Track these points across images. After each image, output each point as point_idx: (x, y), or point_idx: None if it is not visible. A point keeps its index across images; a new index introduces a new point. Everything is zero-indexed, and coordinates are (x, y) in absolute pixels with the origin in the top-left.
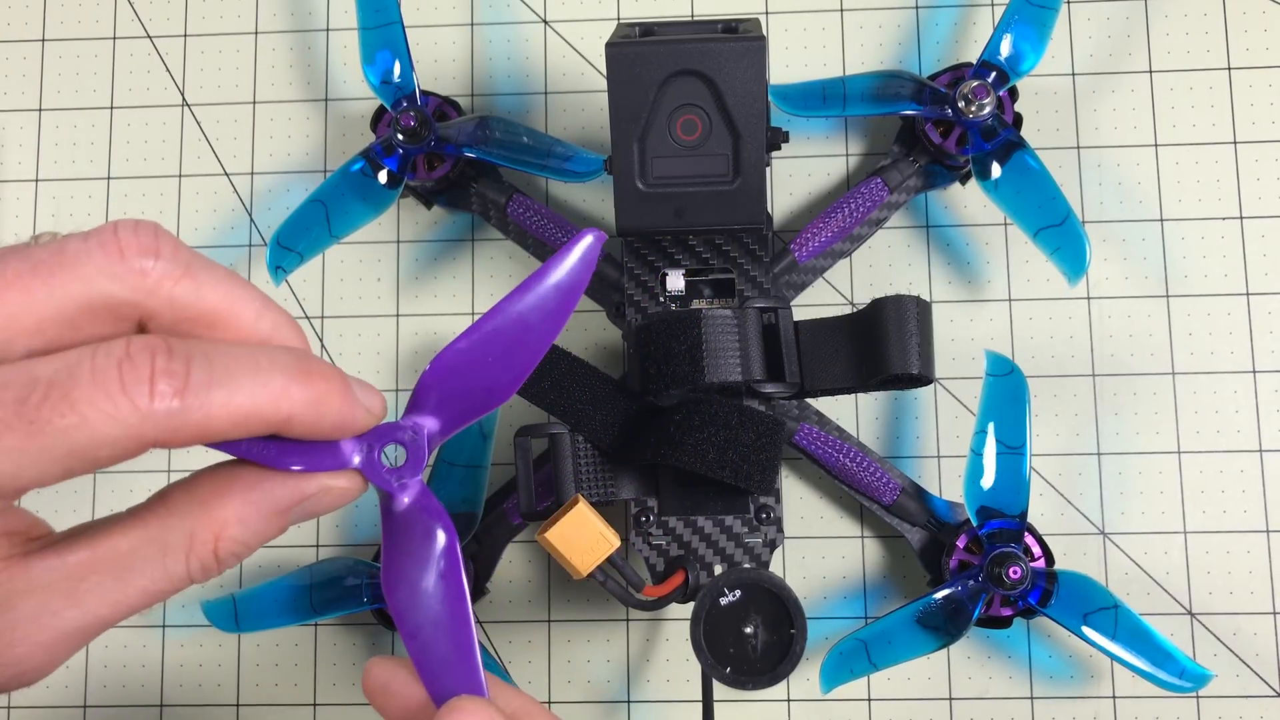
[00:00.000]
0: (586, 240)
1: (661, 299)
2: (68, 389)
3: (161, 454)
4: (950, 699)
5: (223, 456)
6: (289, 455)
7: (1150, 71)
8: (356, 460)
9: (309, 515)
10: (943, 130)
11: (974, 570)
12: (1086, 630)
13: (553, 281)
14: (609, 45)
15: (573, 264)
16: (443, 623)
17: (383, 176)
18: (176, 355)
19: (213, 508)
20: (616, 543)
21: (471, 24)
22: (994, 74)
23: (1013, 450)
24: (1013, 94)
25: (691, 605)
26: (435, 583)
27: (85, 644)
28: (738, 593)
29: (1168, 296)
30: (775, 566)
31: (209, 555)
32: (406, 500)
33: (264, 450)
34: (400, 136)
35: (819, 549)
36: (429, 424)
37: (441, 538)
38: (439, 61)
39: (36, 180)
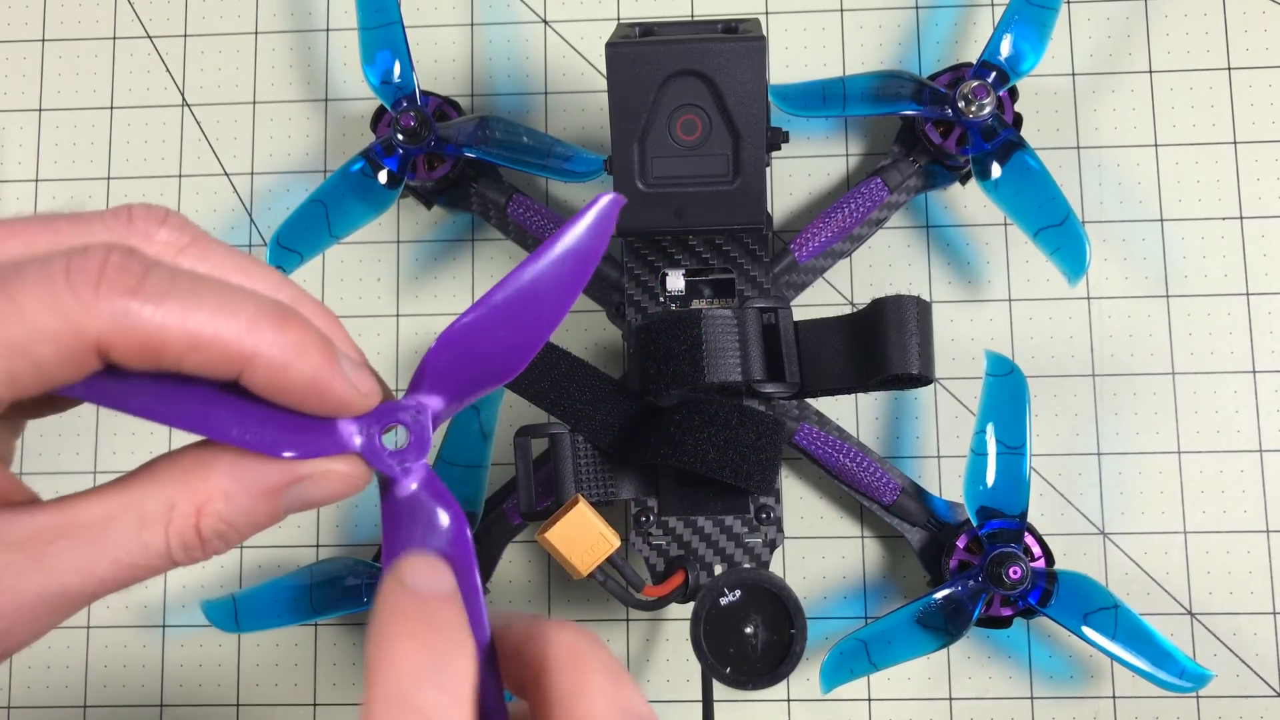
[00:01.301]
0: (604, 201)
1: (661, 299)
2: (8, 281)
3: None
4: (950, 699)
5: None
6: (279, 440)
7: (1150, 71)
8: (357, 443)
9: (307, 503)
10: (943, 130)
11: (974, 570)
12: (1086, 630)
13: (567, 248)
14: (609, 45)
15: (588, 228)
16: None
17: (383, 176)
18: (135, 258)
19: (196, 478)
20: (616, 543)
21: (471, 24)
22: (994, 74)
23: (1013, 450)
24: (1013, 94)
25: (691, 605)
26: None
27: (54, 619)
28: (738, 593)
29: (1168, 296)
30: (775, 566)
31: (190, 530)
32: (412, 486)
33: (252, 433)
34: (400, 136)
35: (819, 549)
36: (433, 403)
37: (449, 524)
38: (439, 61)
39: (36, 180)
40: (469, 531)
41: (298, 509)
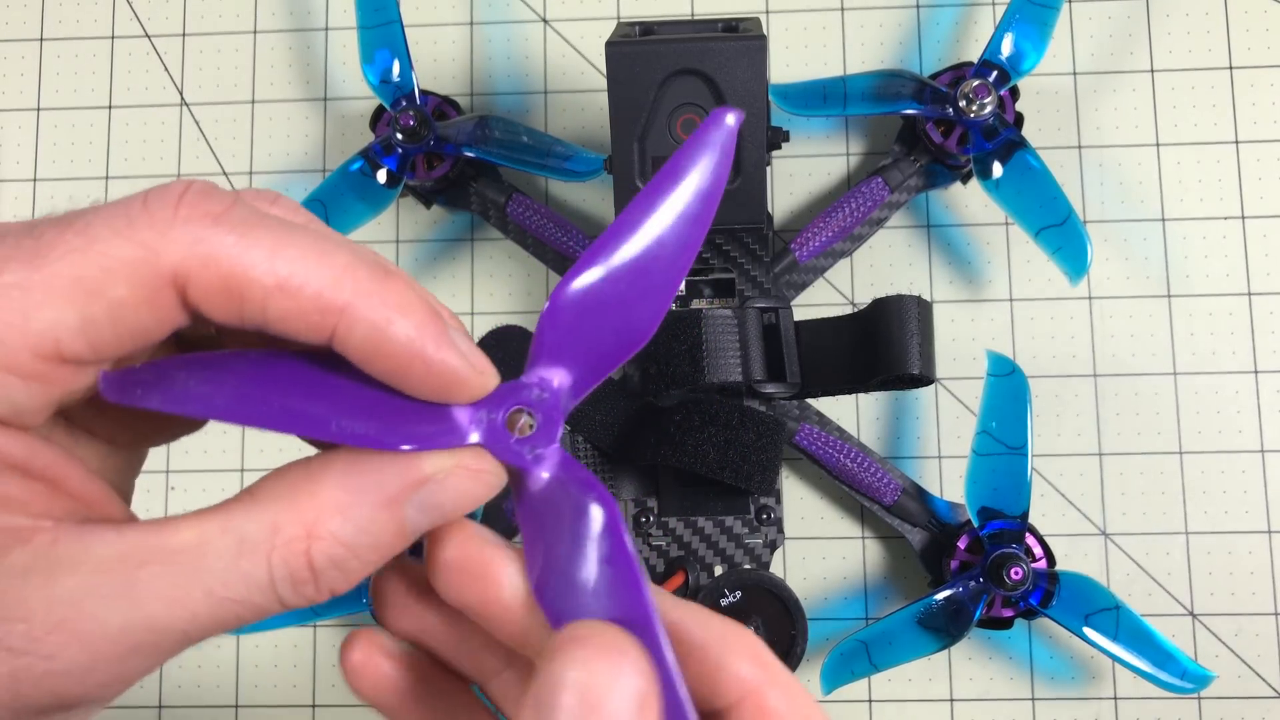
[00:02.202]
0: (727, 122)
1: None
2: (84, 216)
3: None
4: (951, 700)
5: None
6: (389, 431)
7: (1152, 71)
8: (475, 437)
9: (436, 513)
10: (944, 130)
11: (975, 571)
12: (1088, 631)
13: (689, 182)
14: (609, 44)
15: (711, 157)
16: (619, 620)
17: (381, 176)
18: (218, 190)
19: (303, 494)
20: None
21: (471, 23)
22: (995, 73)
23: (1014, 450)
24: (1014, 93)
25: None
26: (599, 573)
27: (140, 661)
28: (738, 594)
29: (1169, 296)
30: (776, 567)
31: (298, 558)
32: (546, 475)
33: (354, 424)
34: (399, 136)
35: (819, 550)
36: (559, 378)
37: (598, 514)
38: (438, 61)
39: (34, 180)
40: (623, 521)
41: (426, 524)
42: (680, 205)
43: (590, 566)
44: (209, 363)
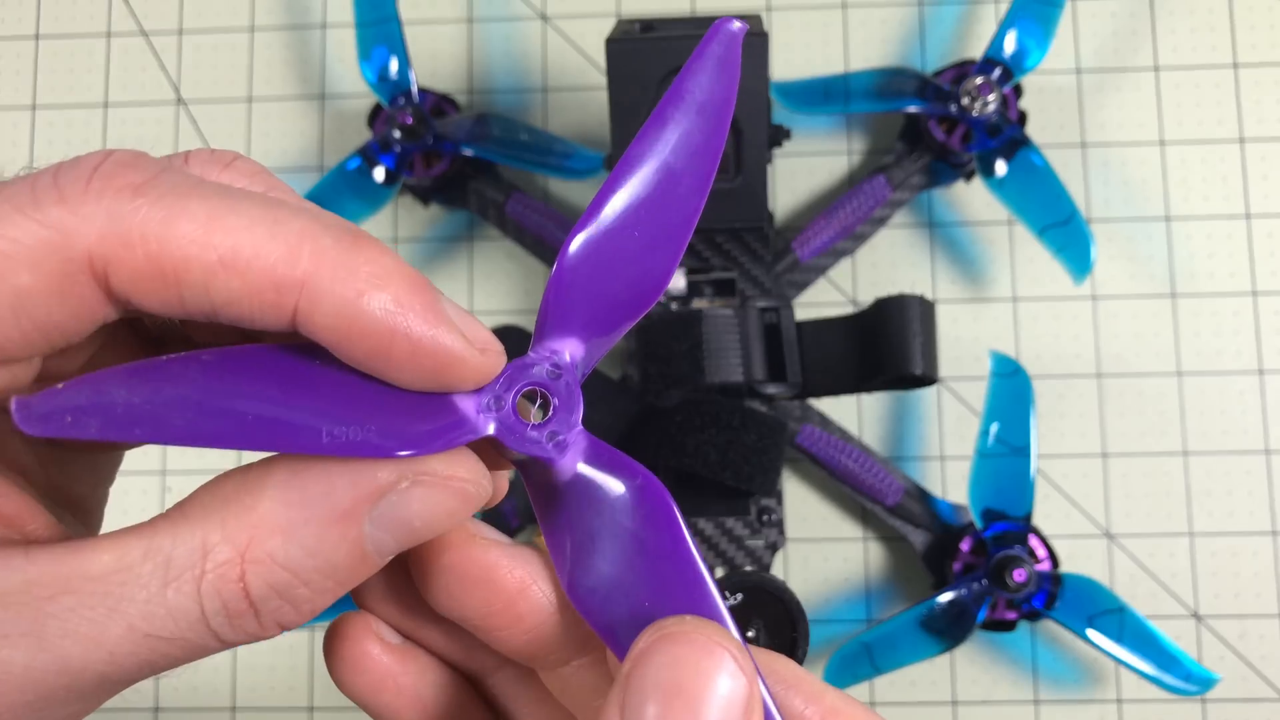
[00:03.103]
0: (729, 31)
1: (662, 298)
2: None
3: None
4: (954, 702)
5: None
6: (382, 433)
7: (1156, 68)
8: (491, 428)
9: (403, 531)
10: (947, 127)
11: (978, 573)
12: (1091, 633)
13: (693, 101)
14: (609, 41)
15: (715, 69)
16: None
17: (379, 174)
18: (143, 157)
19: (238, 508)
20: None
21: (469, 20)
22: (998, 70)
23: (1017, 451)
24: (1017, 91)
25: None
26: (653, 569)
27: (53, 707)
28: (739, 596)
29: (1174, 296)
30: (777, 569)
31: (231, 586)
32: (578, 465)
33: (334, 427)
34: (397, 134)
35: (821, 551)
36: (569, 348)
37: (650, 501)
38: (437, 58)
39: None
40: (672, 500)
41: (394, 544)
42: (688, 129)
43: (644, 565)
44: (156, 370)
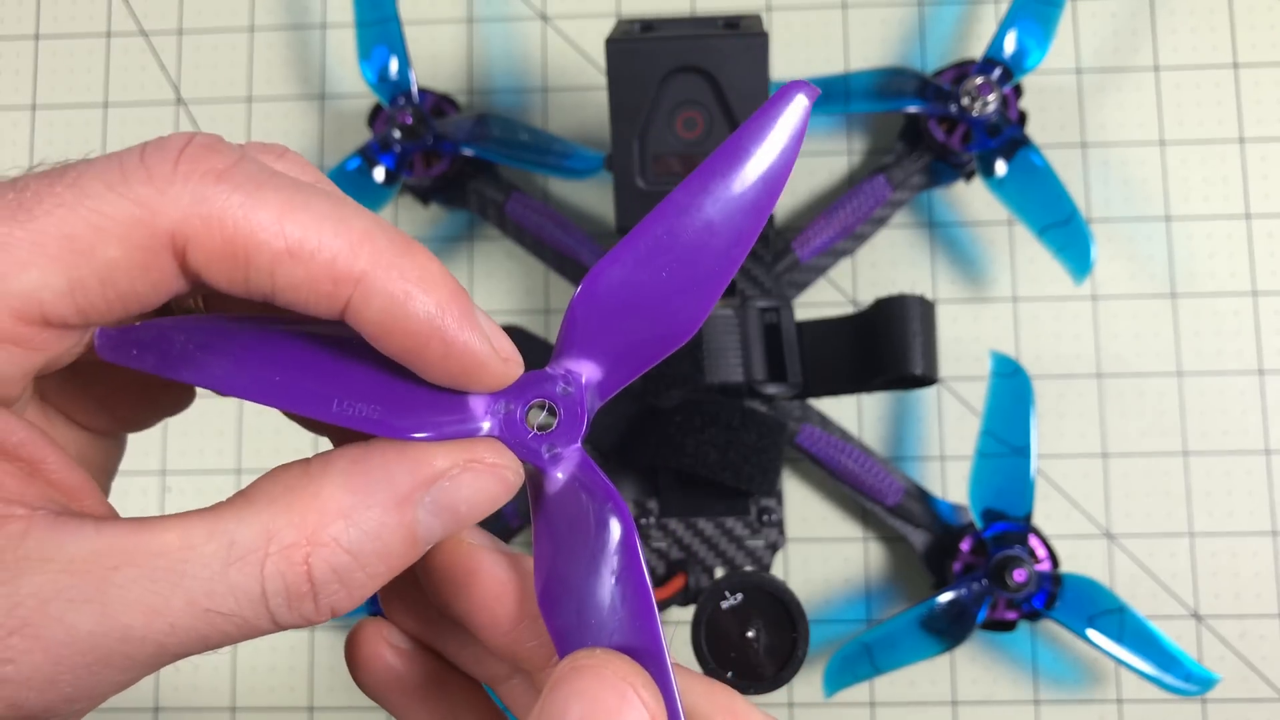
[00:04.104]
0: (799, 101)
1: None
2: (76, 168)
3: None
4: (954, 702)
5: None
6: (398, 417)
7: (1156, 68)
8: (486, 426)
9: (451, 515)
10: (947, 127)
11: (978, 573)
12: (1092, 633)
13: (754, 164)
14: (609, 41)
15: (780, 137)
16: (626, 647)
17: (379, 174)
18: (224, 144)
19: (303, 496)
20: None
21: (469, 20)
22: (998, 70)
23: (1017, 451)
24: (1017, 91)
25: (692, 609)
26: (609, 593)
27: (109, 671)
28: (739, 596)
29: (1174, 296)
30: (777, 569)
31: (296, 569)
32: (561, 476)
33: (364, 409)
34: (397, 134)
35: (821, 551)
36: (587, 371)
37: (615, 529)
38: (437, 58)
39: None
40: (637, 536)
41: (440, 529)
42: (740, 190)
43: (601, 584)
44: (209, 328)
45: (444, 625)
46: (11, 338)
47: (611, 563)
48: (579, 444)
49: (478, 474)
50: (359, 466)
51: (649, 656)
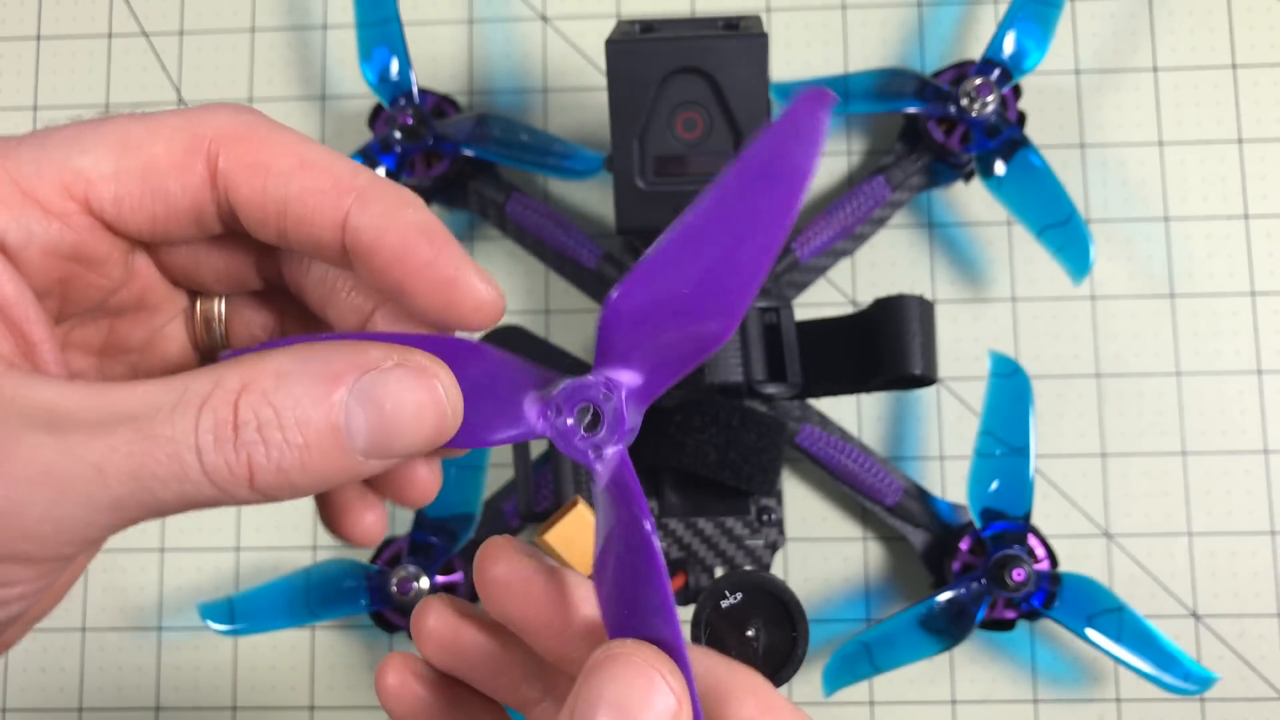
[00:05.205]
0: (822, 105)
1: None
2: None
3: None
4: (953, 702)
5: None
6: (466, 423)
7: (1155, 69)
8: (538, 427)
9: (372, 410)
10: (946, 128)
11: (977, 573)
12: (1090, 633)
13: (775, 172)
14: (609, 42)
15: (802, 143)
16: (652, 639)
17: (379, 174)
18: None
19: (252, 359)
20: None
21: (470, 21)
22: (997, 71)
23: (1016, 451)
24: (1016, 91)
25: (692, 608)
26: (636, 588)
27: (69, 509)
28: (739, 595)
29: (1172, 296)
30: (777, 568)
31: (225, 406)
32: (605, 475)
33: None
34: (398, 135)
35: (821, 551)
36: (627, 379)
37: (638, 529)
38: (437, 59)
39: None
40: (657, 544)
41: (366, 427)
42: (763, 199)
43: (628, 577)
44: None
45: (478, 658)
46: (55, 209)
47: (635, 561)
48: (622, 446)
49: (406, 373)
50: (309, 346)
51: (671, 649)
